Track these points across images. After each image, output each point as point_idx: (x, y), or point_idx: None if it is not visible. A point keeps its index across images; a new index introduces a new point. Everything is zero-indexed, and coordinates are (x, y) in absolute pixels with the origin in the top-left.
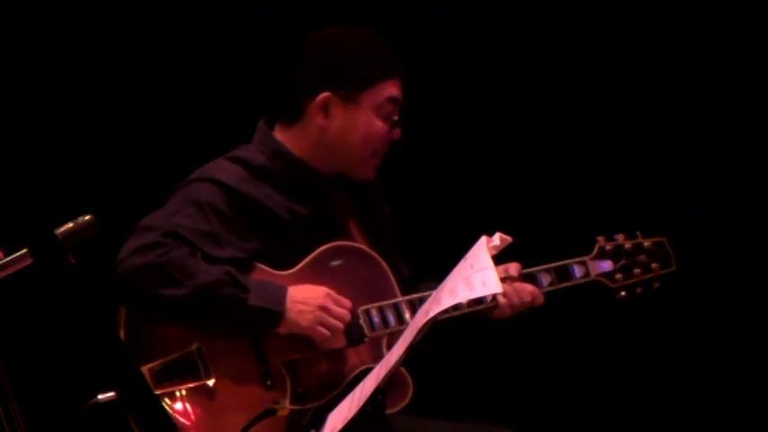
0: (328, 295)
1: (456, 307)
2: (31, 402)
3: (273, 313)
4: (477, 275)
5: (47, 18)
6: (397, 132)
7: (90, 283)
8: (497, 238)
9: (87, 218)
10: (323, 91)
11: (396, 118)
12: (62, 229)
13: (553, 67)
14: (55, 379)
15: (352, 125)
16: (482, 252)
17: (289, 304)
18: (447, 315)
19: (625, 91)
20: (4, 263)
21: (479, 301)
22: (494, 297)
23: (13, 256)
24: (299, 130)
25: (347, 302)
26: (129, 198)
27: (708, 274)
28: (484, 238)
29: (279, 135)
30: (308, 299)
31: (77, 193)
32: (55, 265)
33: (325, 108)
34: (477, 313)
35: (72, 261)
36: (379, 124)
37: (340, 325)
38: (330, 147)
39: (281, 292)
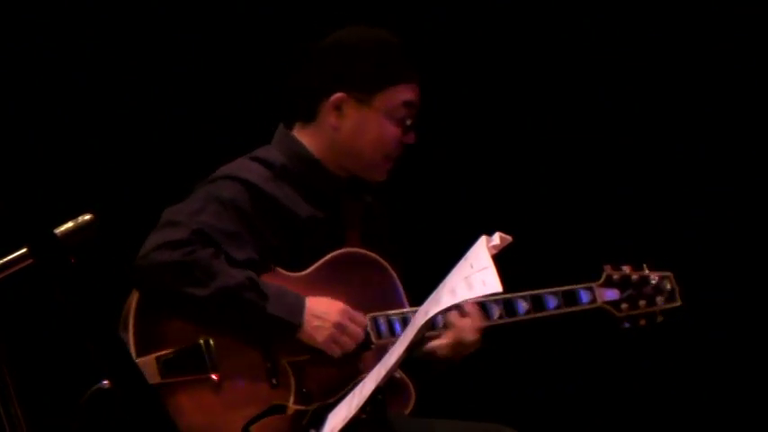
0: (345, 311)
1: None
2: (31, 402)
3: (291, 325)
4: (477, 275)
5: (47, 18)
6: (410, 137)
7: (90, 283)
8: (497, 238)
9: (87, 218)
10: (337, 91)
11: (409, 122)
12: (62, 229)
13: (554, 68)
14: (55, 379)
15: (364, 127)
16: (482, 251)
17: (306, 317)
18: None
19: (633, 97)
20: (4, 263)
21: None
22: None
23: (13, 255)
24: (314, 130)
25: (363, 320)
26: (129, 198)
27: (711, 274)
28: (484, 238)
29: (297, 135)
30: (325, 313)
31: (77, 193)
32: (55, 265)
33: (338, 108)
34: (426, 361)
35: (72, 261)
36: (391, 128)
37: (353, 344)
38: (342, 147)
39: (300, 304)
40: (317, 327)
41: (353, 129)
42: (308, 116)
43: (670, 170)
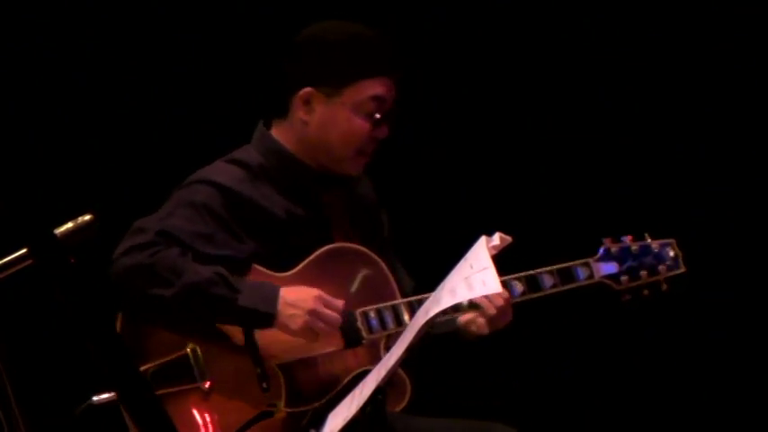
0: (319, 298)
1: (432, 324)
2: (31, 403)
3: (264, 314)
4: (477, 275)
5: (47, 18)
6: (383, 131)
7: (90, 284)
8: (497, 238)
9: (87, 218)
10: (306, 86)
11: (378, 116)
12: (62, 229)
13: (553, 67)
14: (55, 379)
15: (333, 122)
16: (482, 252)
17: (280, 307)
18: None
19: (625, 91)
20: (4, 263)
21: (456, 306)
22: (470, 303)
23: (13, 255)
24: (287, 125)
25: (339, 304)
26: (129, 198)
27: (712, 274)
28: (483, 238)
29: (274, 132)
30: (298, 301)
31: (77, 193)
32: (55, 265)
33: (307, 103)
34: (453, 334)
35: (72, 261)
36: (359, 122)
37: (328, 330)
38: (312, 142)
39: (273, 293)
40: (292, 315)
41: (322, 123)
42: (281, 111)
43: (669, 171)
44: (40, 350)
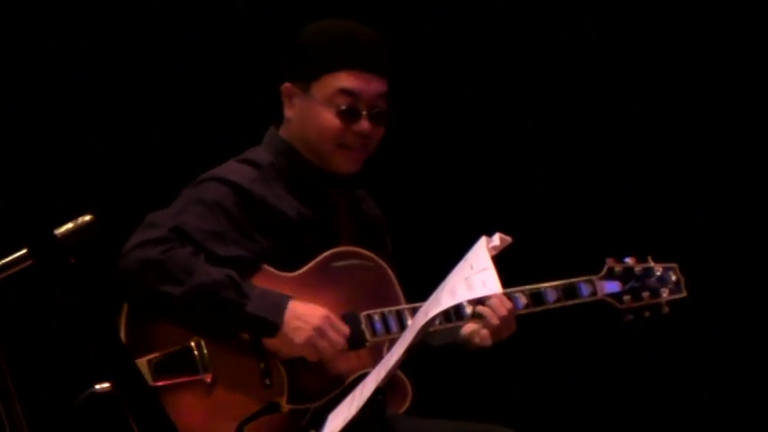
0: (327, 317)
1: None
2: (31, 402)
3: (270, 323)
4: (477, 276)
5: (47, 18)
6: (362, 125)
7: (90, 283)
8: (497, 239)
9: (87, 218)
10: (285, 81)
11: (343, 108)
12: (62, 229)
13: (553, 68)
14: (55, 379)
15: (307, 116)
16: (482, 252)
17: (287, 317)
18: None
19: (627, 93)
20: (4, 263)
21: (460, 315)
22: (473, 313)
23: (14, 256)
24: (285, 123)
25: (345, 329)
26: (129, 198)
27: (712, 274)
28: (484, 239)
29: (281, 132)
30: (306, 316)
31: (77, 193)
32: (55, 265)
33: (289, 98)
34: (456, 345)
35: (72, 261)
36: (327, 116)
37: (331, 350)
38: (298, 138)
39: (282, 304)
40: (297, 328)
41: (299, 118)
42: (281, 110)
43: (669, 170)
44: (40, 350)
